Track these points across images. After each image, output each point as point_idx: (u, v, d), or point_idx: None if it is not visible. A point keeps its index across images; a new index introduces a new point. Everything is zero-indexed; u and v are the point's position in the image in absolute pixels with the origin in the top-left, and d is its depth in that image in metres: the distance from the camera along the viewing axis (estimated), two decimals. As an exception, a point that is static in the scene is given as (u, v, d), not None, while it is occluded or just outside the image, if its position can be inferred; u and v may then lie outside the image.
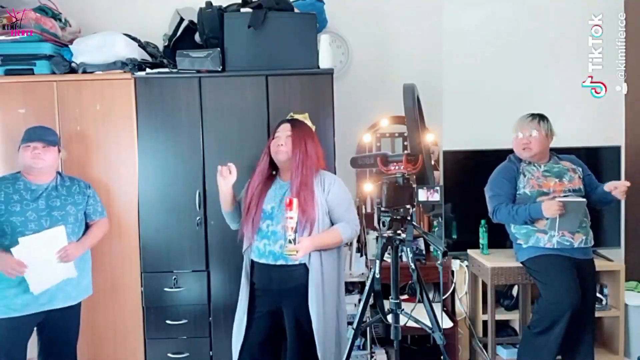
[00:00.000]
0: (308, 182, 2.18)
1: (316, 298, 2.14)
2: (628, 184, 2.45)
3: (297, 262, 2.14)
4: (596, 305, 2.75)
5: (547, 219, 2.47)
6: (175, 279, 2.72)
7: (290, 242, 2.04)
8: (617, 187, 2.45)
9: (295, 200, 2.04)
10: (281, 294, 2.20)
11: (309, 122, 2.40)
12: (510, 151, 2.75)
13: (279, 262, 2.17)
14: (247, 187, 2.34)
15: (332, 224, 2.26)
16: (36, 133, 2.32)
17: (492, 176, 2.71)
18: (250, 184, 2.32)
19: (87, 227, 2.46)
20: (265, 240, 2.20)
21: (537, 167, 2.63)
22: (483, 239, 2.95)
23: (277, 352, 2.32)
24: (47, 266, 2.22)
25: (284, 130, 2.25)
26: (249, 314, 2.24)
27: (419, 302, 2.07)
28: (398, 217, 1.98)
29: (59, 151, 2.40)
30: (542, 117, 2.62)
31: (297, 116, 2.42)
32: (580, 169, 2.66)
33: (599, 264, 2.79)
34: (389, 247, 2.03)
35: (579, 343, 2.54)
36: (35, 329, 2.33)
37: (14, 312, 2.21)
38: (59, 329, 2.34)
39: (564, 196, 2.50)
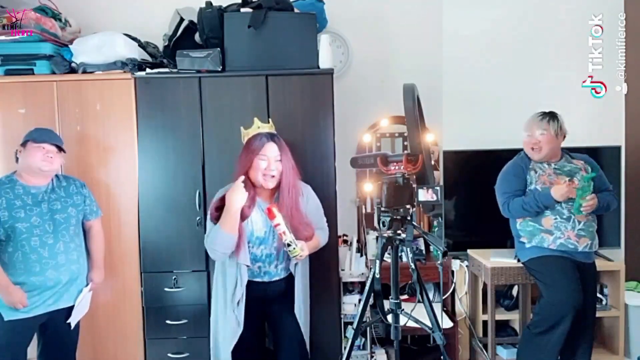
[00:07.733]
0: (297, 200, 2.28)
1: (304, 300, 2.34)
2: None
3: (285, 275, 2.33)
4: (596, 305, 2.74)
5: (556, 208, 2.49)
6: (175, 279, 2.72)
7: (289, 244, 2.14)
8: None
9: (273, 209, 2.12)
10: (271, 300, 2.35)
11: (274, 129, 2.42)
12: (512, 151, 2.74)
13: (275, 279, 2.32)
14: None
15: None
16: (49, 136, 2.31)
17: (501, 173, 2.67)
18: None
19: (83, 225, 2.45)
20: (260, 264, 2.30)
21: (548, 164, 2.61)
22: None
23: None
24: (83, 306, 2.44)
25: (272, 153, 2.22)
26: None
27: (419, 302, 2.08)
28: (398, 217, 1.99)
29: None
30: (552, 116, 2.57)
31: (266, 128, 2.35)
32: (590, 169, 2.61)
33: (599, 264, 2.78)
34: (389, 247, 2.04)
35: (578, 345, 2.54)
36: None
37: (21, 313, 2.20)
38: (60, 329, 2.34)
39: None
